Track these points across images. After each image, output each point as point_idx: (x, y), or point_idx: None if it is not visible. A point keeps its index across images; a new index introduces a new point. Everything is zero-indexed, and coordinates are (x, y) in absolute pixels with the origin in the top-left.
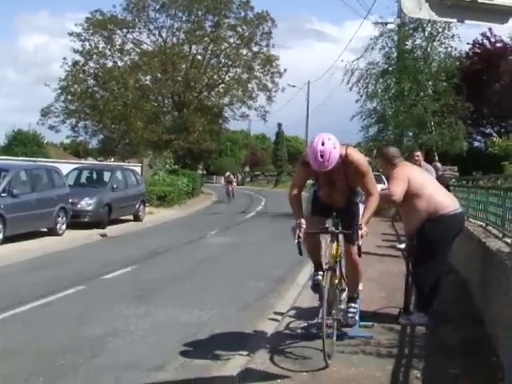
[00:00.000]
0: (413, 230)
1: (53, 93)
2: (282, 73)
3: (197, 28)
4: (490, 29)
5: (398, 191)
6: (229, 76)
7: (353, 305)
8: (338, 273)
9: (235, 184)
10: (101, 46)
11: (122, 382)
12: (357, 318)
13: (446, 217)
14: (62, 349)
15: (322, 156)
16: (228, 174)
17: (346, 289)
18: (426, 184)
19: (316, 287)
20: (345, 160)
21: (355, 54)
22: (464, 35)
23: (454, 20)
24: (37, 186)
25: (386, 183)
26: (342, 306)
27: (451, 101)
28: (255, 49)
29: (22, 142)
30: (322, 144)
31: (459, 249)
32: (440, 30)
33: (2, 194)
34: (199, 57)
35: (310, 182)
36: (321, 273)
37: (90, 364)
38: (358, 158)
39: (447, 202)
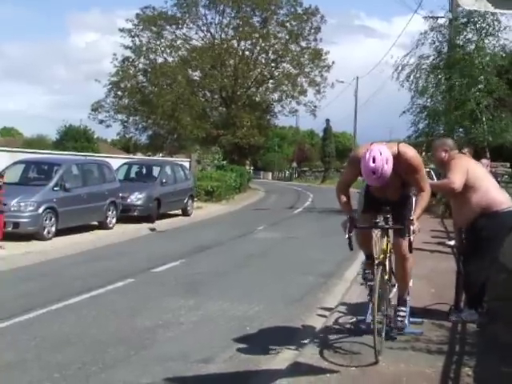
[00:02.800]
0: (463, 224)
1: (103, 88)
2: (331, 66)
3: (245, 24)
4: None
5: (457, 180)
6: (278, 71)
7: (402, 308)
8: (388, 268)
9: None
10: (151, 41)
11: (172, 373)
12: (406, 322)
13: (500, 213)
14: (113, 340)
15: (374, 173)
16: None
17: (396, 285)
18: (483, 178)
19: (366, 278)
20: (397, 157)
21: (404, 50)
22: None
23: (511, 11)
24: (88, 180)
25: (436, 180)
26: (392, 302)
27: (504, 95)
28: (303, 44)
29: (73, 138)
30: (373, 161)
31: (510, 246)
32: (491, 23)
33: (55, 188)
34: (247, 52)
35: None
36: (371, 263)
37: (140, 355)
38: (411, 154)
39: (502, 198)
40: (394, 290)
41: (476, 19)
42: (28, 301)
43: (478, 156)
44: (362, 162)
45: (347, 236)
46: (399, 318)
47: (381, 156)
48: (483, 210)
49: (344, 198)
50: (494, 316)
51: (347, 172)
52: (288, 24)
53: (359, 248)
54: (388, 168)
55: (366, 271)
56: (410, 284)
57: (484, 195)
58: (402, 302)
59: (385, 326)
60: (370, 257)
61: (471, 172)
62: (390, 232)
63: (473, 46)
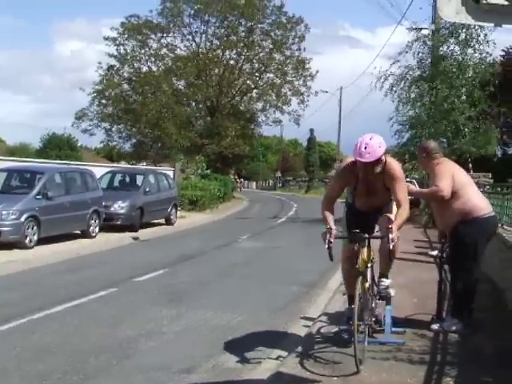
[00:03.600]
0: (445, 229)
1: (87, 97)
2: (314, 75)
3: (230, 33)
4: None
5: (445, 187)
6: (262, 81)
7: (384, 279)
8: (369, 278)
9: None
10: (136, 50)
11: (154, 383)
12: (389, 291)
13: (481, 219)
14: (95, 349)
15: (365, 147)
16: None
17: (377, 299)
18: (466, 184)
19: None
20: (383, 167)
21: (388, 60)
22: (498, 41)
23: (491, 24)
24: (71, 188)
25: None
26: (375, 312)
27: (486, 107)
28: (287, 53)
29: (57, 146)
30: (370, 138)
31: (494, 256)
32: (474, 35)
33: (37, 197)
34: (232, 62)
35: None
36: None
37: (122, 365)
38: (395, 165)
39: (482, 204)
40: (376, 300)
41: (459, 31)
42: (9, 310)
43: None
44: (357, 143)
45: (327, 247)
46: (382, 287)
47: (377, 138)
48: (464, 216)
49: (327, 214)
50: (477, 326)
51: (334, 185)
52: (272, 33)
53: (343, 281)
54: (378, 151)
55: (348, 311)
56: (392, 294)
57: (466, 201)
58: (383, 275)
59: (366, 335)
60: (351, 298)
61: (456, 178)
62: (372, 242)
63: (455, 58)
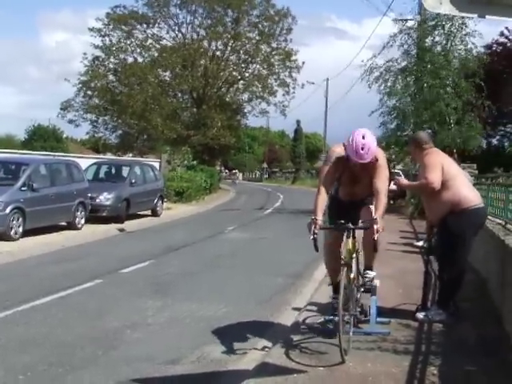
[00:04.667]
0: (434, 221)
1: (73, 88)
2: (301, 67)
3: (217, 24)
4: (507, 27)
5: (435, 178)
6: (248, 72)
7: (369, 271)
8: (354, 268)
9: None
10: (121, 41)
11: (139, 374)
12: (374, 284)
13: (469, 210)
14: (80, 340)
15: (362, 148)
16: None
17: (362, 281)
18: (456, 175)
19: (334, 308)
20: None
21: (374, 52)
22: (484, 33)
23: (475, 15)
24: (56, 180)
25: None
26: (360, 302)
27: (472, 99)
28: (274, 44)
29: (42, 137)
30: (363, 137)
31: (478, 247)
32: (460, 27)
33: (22, 188)
34: (218, 53)
35: None
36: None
37: (107, 356)
38: (380, 154)
39: (472, 196)
40: (361, 291)
41: (444, 23)
42: None
43: None
44: (349, 140)
45: (312, 237)
46: (367, 279)
47: (369, 135)
48: (453, 207)
49: (319, 203)
50: (461, 316)
51: (326, 173)
52: (260, 25)
53: (326, 266)
54: (374, 147)
55: (335, 301)
56: (377, 284)
57: (455, 193)
58: (368, 267)
59: (352, 326)
60: (335, 286)
61: (445, 168)
62: (357, 232)
63: (440, 49)
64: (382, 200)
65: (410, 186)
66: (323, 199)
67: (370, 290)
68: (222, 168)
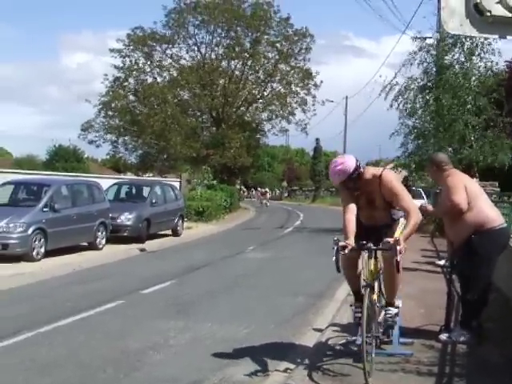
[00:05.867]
0: (456, 241)
1: (93, 108)
2: (319, 85)
3: (236, 44)
4: None
5: (462, 200)
6: (267, 91)
7: (391, 308)
8: (376, 289)
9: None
10: (141, 62)
11: None
12: (396, 320)
13: (494, 231)
14: (102, 362)
15: (335, 166)
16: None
17: (384, 301)
18: (478, 195)
19: (357, 319)
20: (380, 179)
21: (393, 69)
22: (503, 50)
23: (496, 36)
24: (77, 200)
25: (426, 198)
26: (380, 319)
27: (492, 116)
28: (293, 63)
29: (63, 158)
30: (335, 162)
31: (501, 266)
32: (480, 44)
33: (44, 209)
34: (237, 72)
35: None
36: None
37: (129, 378)
38: (391, 177)
39: (495, 216)
40: (383, 313)
41: (464, 40)
42: (17, 323)
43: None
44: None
45: (334, 258)
46: (388, 315)
47: (348, 161)
48: (477, 228)
49: (347, 225)
50: (485, 337)
51: (343, 196)
52: (278, 44)
53: (345, 277)
54: (344, 171)
55: (357, 310)
56: (400, 304)
57: (479, 213)
58: (390, 304)
59: (374, 347)
60: (357, 294)
61: (468, 189)
62: (379, 254)
63: (459, 67)
64: (413, 218)
65: (437, 213)
66: (350, 221)
67: (393, 327)
68: (242, 187)
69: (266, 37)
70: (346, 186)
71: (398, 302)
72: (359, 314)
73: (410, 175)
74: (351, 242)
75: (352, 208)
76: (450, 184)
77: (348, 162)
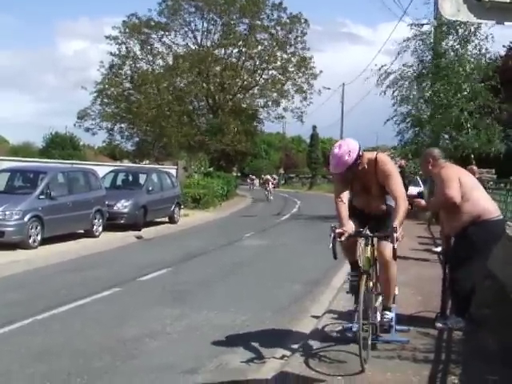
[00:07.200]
0: (452, 232)
1: (90, 96)
2: (317, 74)
3: (231, 31)
4: None
5: (455, 193)
6: (263, 78)
7: (387, 312)
8: (373, 276)
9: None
10: (137, 48)
11: None
12: (392, 323)
13: (490, 222)
14: (98, 350)
15: (334, 159)
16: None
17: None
18: (473, 187)
19: (353, 288)
20: (375, 163)
21: (389, 56)
22: (500, 36)
23: (494, 21)
24: (74, 188)
25: (422, 186)
26: (377, 313)
27: (488, 102)
28: (290, 50)
29: (59, 145)
30: (339, 147)
31: (496, 253)
32: (472, 29)
33: (40, 197)
34: (233, 59)
35: None
36: (357, 273)
37: (126, 365)
38: (385, 162)
39: (492, 208)
40: (380, 298)
41: (458, 27)
42: (13, 311)
43: (464, 163)
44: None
45: (331, 245)
46: (385, 320)
47: (347, 146)
48: (473, 219)
49: (340, 211)
50: (480, 323)
51: (336, 181)
52: (273, 30)
53: (343, 254)
54: (347, 159)
55: (353, 279)
56: (396, 292)
57: (475, 205)
58: (386, 308)
59: (371, 334)
60: (354, 264)
61: (462, 181)
62: (375, 241)
63: (455, 54)
64: (401, 206)
65: (430, 207)
66: (342, 207)
67: (389, 331)
68: (239, 174)
69: (258, 22)
70: (345, 174)
71: (395, 290)
72: (355, 283)
73: (407, 164)
74: (348, 228)
75: (344, 195)
76: (443, 177)
77: (354, 152)
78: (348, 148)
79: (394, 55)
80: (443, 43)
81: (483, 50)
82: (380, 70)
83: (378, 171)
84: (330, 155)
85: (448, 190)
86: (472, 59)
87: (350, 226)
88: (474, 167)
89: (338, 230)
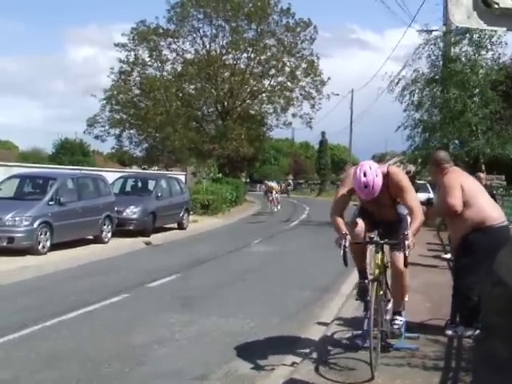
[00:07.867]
0: (457, 238)
1: (99, 103)
2: (326, 81)
3: (239, 38)
4: None
5: (457, 201)
6: (271, 85)
7: (398, 317)
8: (383, 283)
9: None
10: (146, 55)
11: None
12: (402, 329)
13: (493, 228)
14: (107, 356)
15: (366, 187)
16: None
17: (391, 300)
18: (477, 193)
19: (362, 292)
20: (387, 177)
21: (398, 62)
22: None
23: (504, 29)
24: (83, 194)
25: (432, 192)
26: (388, 317)
27: (499, 108)
28: (298, 55)
29: (69, 151)
30: (364, 175)
31: (507, 259)
32: (487, 36)
33: (50, 203)
34: (242, 65)
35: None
36: (365, 281)
37: (135, 372)
38: (399, 175)
39: (496, 214)
40: (390, 305)
41: (472, 32)
42: (22, 317)
43: (473, 169)
44: (354, 177)
45: (342, 252)
46: (395, 327)
47: (370, 170)
48: (477, 225)
49: (338, 220)
50: (490, 331)
51: (340, 195)
52: (282, 36)
53: (352, 260)
54: (378, 181)
55: (361, 281)
56: (406, 298)
57: (479, 211)
58: (397, 313)
59: (380, 341)
60: (362, 272)
61: (465, 187)
62: (385, 248)
63: (467, 59)
64: (418, 217)
65: (431, 214)
66: (338, 220)
67: (400, 335)
68: (247, 180)
69: (266, 28)
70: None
71: (405, 299)
72: (363, 284)
73: (417, 169)
74: (346, 230)
75: (341, 205)
76: (446, 183)
77: (379, 173)
78: (373, 171)
79: (403, 61)
80: (456, 48)
81: (496, 55)
82: (391, 76)
83: (390, 184)
84: (357, 182)
85: (449, 199)
86: (484, 64)
87: (360, 223)
88: (482, 174)
89: (348, 237)
